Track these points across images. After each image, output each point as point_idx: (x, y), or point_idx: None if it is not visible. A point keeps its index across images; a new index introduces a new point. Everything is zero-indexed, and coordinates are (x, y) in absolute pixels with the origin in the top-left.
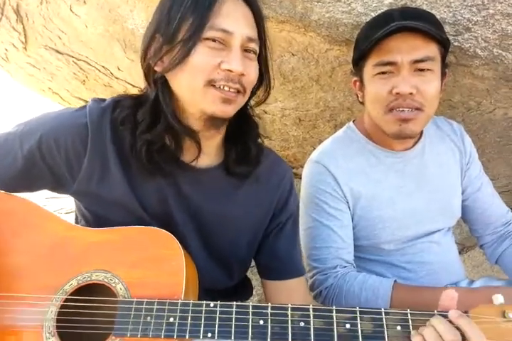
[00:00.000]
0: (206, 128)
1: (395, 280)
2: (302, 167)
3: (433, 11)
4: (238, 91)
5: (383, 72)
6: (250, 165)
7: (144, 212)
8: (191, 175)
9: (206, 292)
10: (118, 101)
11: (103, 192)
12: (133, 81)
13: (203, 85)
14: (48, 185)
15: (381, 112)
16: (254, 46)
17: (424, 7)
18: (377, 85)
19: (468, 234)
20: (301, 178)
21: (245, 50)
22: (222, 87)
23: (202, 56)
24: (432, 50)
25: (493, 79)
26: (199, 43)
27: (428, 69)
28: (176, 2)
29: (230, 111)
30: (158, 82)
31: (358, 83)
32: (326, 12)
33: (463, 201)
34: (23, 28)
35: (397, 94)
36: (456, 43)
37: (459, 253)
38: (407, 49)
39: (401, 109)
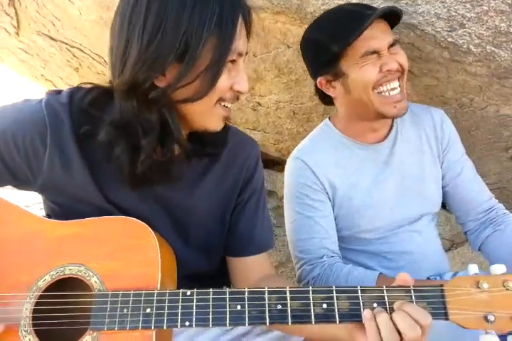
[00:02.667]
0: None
1: (380, 273)
2: None
3: (428, 6)
4: None
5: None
6: (215, 145)
7: (112, 206)
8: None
9: (187, 278)
10: (74, 94)
11: (67, 187)
12: None
13: (213, 106)
14: (8, 182)
15: (369, 91)
16: None
17: (419, 2)
18: (367, 68)
19: (458, 230)
20: None
21: None
22: (227, 105)
23: (224, 80)
24: (391, 32)
25: (485, 76)
26: (223, 67)
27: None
28: (192, 20)
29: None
30: (166, 108)
31: (324, 82)
32: (321, 4)
33: (444, 187)
34: (16, 12)
35: (388, 71)
36: (450, 39)
37: (449, 249)
38: (382, 35)
39: (389, 86)
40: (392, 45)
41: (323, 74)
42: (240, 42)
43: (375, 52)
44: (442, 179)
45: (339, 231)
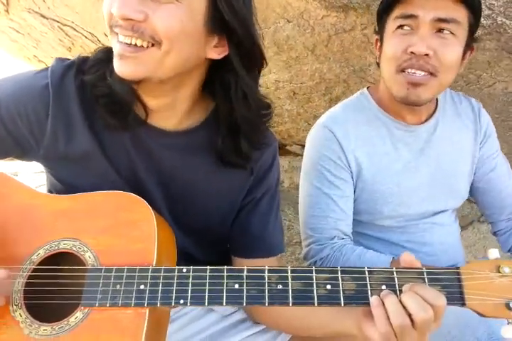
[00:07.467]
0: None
1: (393, 257)
2: (296, 144)
3: None
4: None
5: (402, 26)
6: (248, 157)
7: (116, 174)
8: (162, 139)
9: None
10: (86, 58)
11: (71, 153)
12: None
13: (110, 33)
14: (12, 152)
15: (392, 71)
16: None
17: None
18: (394, 42)
19: (463, 213)
20: (294, 156)
21: None
22: (119, 33)
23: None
24: (459, 13)
25: (495, 51)
26: None
27: (451, 33)
28: None
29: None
30: None
31: (378, 42)
32: None
33: (476, 182)
34: None
35: (412, 53)
36: None
37: None
38: (432, 6)
39: (413, 71)
40: (440, 30)
41: (377, 33)
42: None
43: (410, 16)
44: (474, 174)
45: (358, 215)
